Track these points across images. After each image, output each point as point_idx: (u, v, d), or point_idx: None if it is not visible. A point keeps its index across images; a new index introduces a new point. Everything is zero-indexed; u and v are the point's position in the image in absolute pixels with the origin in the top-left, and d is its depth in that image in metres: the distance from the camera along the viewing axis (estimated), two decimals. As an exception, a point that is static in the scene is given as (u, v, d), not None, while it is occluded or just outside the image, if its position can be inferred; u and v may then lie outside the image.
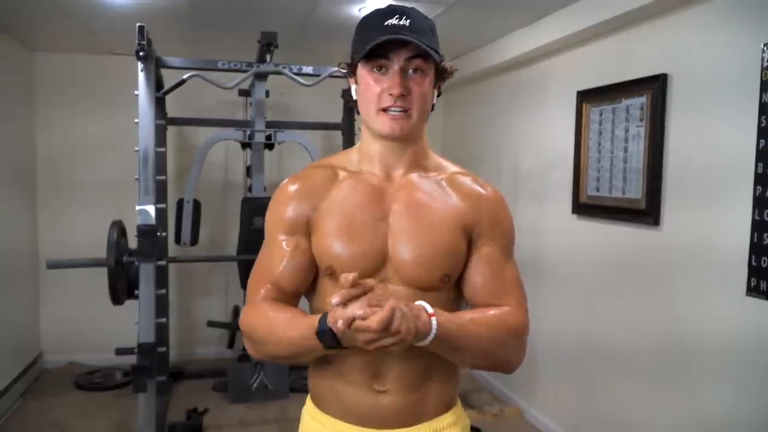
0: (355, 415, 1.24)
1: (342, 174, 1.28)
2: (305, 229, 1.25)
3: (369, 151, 1.27)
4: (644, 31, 2.86)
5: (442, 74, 1.25)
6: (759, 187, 2.21)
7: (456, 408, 1.33)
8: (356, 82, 1.24)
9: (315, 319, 1.10)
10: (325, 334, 1.07)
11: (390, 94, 1.17)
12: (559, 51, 3.51)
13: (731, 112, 2.37)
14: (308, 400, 1.35)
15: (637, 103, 2.85)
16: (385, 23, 1.16)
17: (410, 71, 1.18)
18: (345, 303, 1.02)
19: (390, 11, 1.18)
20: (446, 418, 1.29)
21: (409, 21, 1.16)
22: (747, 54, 2.27)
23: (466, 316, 1.19)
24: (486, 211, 1.27)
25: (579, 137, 3.30)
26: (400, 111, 1.18)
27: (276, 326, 1.19)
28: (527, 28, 3.63)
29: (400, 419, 1.24)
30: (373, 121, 1.20)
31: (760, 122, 2.20)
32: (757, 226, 2.21)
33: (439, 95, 1.28)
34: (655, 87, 2.72)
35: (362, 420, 1.24)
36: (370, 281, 1.06)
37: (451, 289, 1.25)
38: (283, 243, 1.26)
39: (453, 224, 1.23)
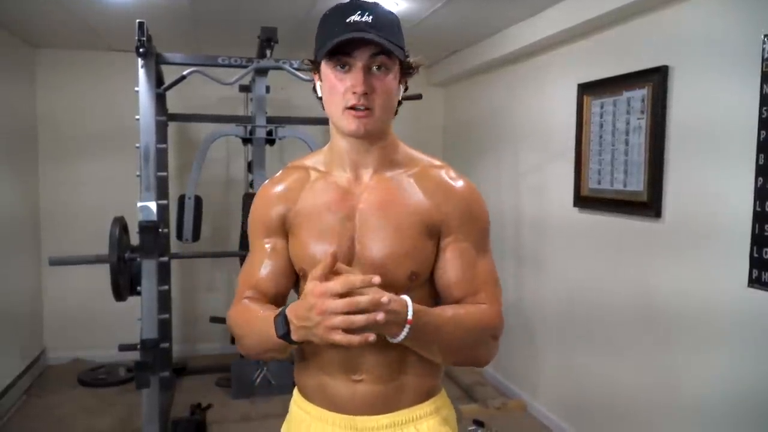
0: (336, 402, 1.28)
1: (314, 175, 1.30)
2: (282, 230, 1.29)
3: (338, 150, 1.27)
4: (645, 22, 2.86)
5: (407, 70, 1.24)
6: (760, 179, 2.20)
7: (437, 398, 1.33)
8: (320, 79, 1.23)
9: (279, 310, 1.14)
10: (279, 319, 1.11)
11: (354, 93, 1.15)
12: (560, 43, 3.50)
13: (732, 103, 2.36)
14: (295, 391, 1.41)
15: (638, 95, 2.84)
16: (347, 20, 1.14)
17: (374, 68, 1.16)
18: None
19: (352, 7, 1.16)
20: (424, 407, 1.30)
21: (371, 17, 1.14)
22: (748, 45, 2.26)
23: (445, 313, 1.19)
24: (456, 204, 1.25)
25: (580, 130, 3.29)
26: (364, 109, 1.16)
27: (252, 319, 1.22)
28: (527, 21, 3.62)
29: (377, 406, 1.27)
30: (339, 119, 1.20)
31: (761, 113, 2.19)
32: (759, 218, 2.21)
33: (406, 90, 1.28)
34: (656, 79, 2.72)
35: (342, 407, 1.28)
36: (344, 269, 1.09)
37: (422, 288, 1.25)
38: (262, 246, 1.30)
39: (419, 223, 1.22)
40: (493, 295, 1.25)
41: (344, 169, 1.27)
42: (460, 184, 1.27)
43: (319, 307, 1.02)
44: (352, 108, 1.17)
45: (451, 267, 1.24)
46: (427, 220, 1.23)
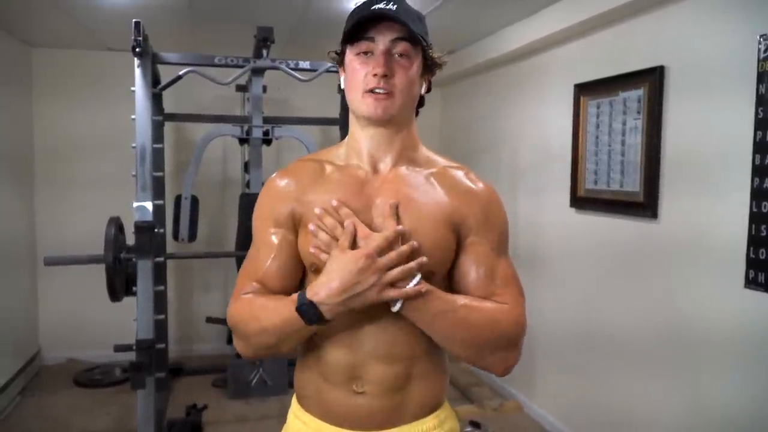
0: (334, 415, 1.23)
1: (329, 168, 1.25)
2: (292, 224, 1.23)
3: (356, 143, 1.24)
4: (641, 23, 2.86)
5: (430, 66, 1.24)
6: (756, 179, 2.21)
7: (440, 411, 1.29)
8: (345, 72, 1.23)
9: (295, 297, 1.11)
10: (304, 308, 1.09)
11: (374, 75, 1.15)
12: (557, 44, 3.50)
13: (728, 103, 2.36)
14: (293, 399, 1.35)
15: (635, 95, 2.85)
16: (372, 8, 1.15)
17: (396, 55, 1.16)
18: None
19: None
20: (428, 421, 1.26)
21: (395, 6, 1.15)
22: (743, 45, 2.27)
23: (458, 296, 1.17)
24: (476, 206, 1.22)
25: (577, 130, 3.29)
26: (384, 93, 1.16)
27: (259, 312, 1.17)
28: (524, 21, 3.63)
29: (378, 421, 1.22)
30: (359, 103, 1.18)
31: (756, 113, 2.20)
32: (755, 218, 2.22)
33: (428, 90, 1.26)
34: (652, 79, 2.72)
35: (341, 421, 1.23)
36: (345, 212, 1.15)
37: (438, 287, 1.17)
38: (270, 239, 1.23)
39: (438, 220, 1.19)
40: (514, 296, 1.21)
41: (362, 162, 1.24)
42: (480, 186, 1.25)
43: (375, 266, 1.07)
44: (372, 91, 1.16)
45: (470, 268, 1.21)
46: (448, 218, 1.20)
